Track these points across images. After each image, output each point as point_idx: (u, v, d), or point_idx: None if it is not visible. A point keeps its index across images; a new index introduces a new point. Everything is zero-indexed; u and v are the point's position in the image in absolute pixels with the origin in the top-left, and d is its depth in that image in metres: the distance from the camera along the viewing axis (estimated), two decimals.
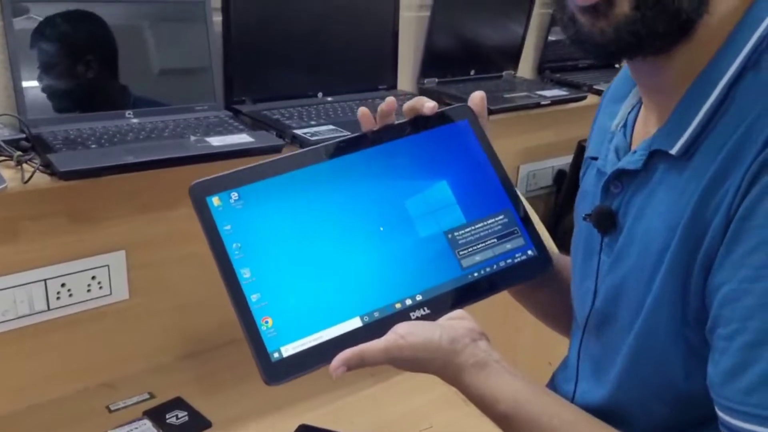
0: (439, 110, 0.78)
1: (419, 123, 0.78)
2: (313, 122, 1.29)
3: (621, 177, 0.70)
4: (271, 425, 1.17)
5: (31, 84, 1.11)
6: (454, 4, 1.63)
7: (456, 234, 0.75)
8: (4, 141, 1.04)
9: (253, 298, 0.67)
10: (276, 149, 1.17)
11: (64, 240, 1.19)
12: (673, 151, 0.63)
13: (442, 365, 0.67)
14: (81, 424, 1.17)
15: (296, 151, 0.75)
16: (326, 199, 0.73)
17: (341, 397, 1.23)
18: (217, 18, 1.28)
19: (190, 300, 1.35)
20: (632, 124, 0.74)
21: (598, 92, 1.76)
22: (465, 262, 0.74)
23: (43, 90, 1.13)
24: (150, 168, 1.07)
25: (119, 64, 1.19)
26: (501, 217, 0.78)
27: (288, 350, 0.67)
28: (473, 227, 0.76)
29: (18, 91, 1.10)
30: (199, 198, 0.69)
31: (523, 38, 1.81)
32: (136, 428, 1.16)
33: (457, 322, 0.70)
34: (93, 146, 1.08)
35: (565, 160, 2.01)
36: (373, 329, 0.68)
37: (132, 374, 1.30)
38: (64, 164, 1.00)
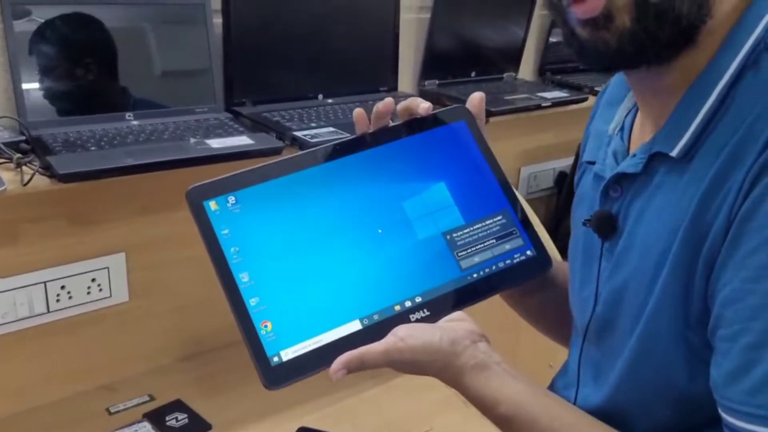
0: (437, 111, 0.78)
1: (417, 124, 0.77)
2: (313, 124, 1.28)
3: (620, 181, 0.69)
4: (271, 427, 1.17)
5: (30, 86, 1.11)
6: (455, 6, 1.63)
7: (454, 235, 0.75)
8: (3, 143, 1.04)
9: (251, 302, 0.67)
10: (276, 151, 1.17)
11: (64, 242, 1.19)
12: (674, 153, 0.63)
13: (442, 367, 0.67)
14: (81, 426, 1.17)
15: (293, 155, 0.75)
16: (324, 201, 0.72)
17: (341, 400, 1.23)
18: (218, 20, 1.28)
19: (190, 302, 1.34)
20: (629, 128, 0.74)
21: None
22: (464, 264, 0.74)
23: (43, 92, 1.13)
24: (150, 170, 1.07)
25: (119, 66, 1.19)
26: (499, 217, 0.77)
27: (288, 354, 0.66)
28: (472, 228, 0.76)
29: (18, 94, 1.10)
30: (196, 202, 0.69)
31: (524, 40, 1.81)
32: (136, 431, 1.16)
33: (456, 324, 0.69)
34: (93, 148, 1.08)
35: (566, 162, 2.01)
36: (373, 332, 0.68)
37: (132, 376, 1.30)
38: (64, 166, 1.00)
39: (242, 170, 0.71)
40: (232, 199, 0.70)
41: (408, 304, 0.71)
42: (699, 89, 0.62)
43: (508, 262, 0.76)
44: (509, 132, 1.80)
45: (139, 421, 1.18)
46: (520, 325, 0.95)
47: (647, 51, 0.61)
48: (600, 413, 0.70)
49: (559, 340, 0.93)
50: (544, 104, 1.65)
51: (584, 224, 0.74)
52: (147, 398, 1.24)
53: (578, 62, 0.66)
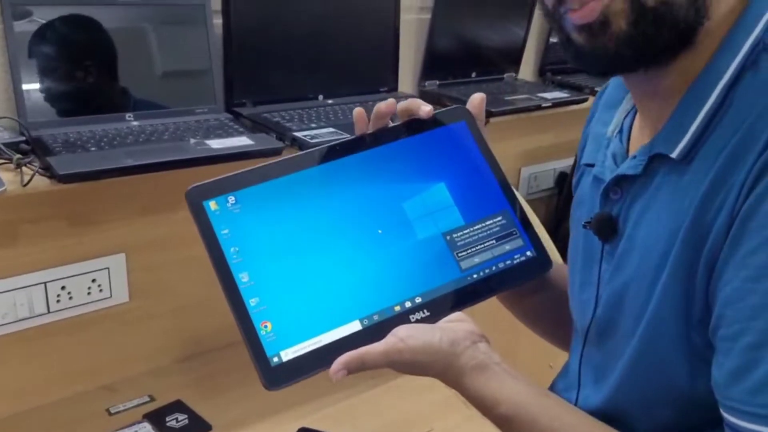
0: (436, 112, 0.78)
1: (417, 125, 0.77)
2: (313, 125, 1.28)
3: (620, 183, 0.69)
4: (271, 428, 1.17)
5: (31, 87, 1.11)
6: (455, 7, 1.63)
7: (454, 236, 0.75)
8: (3, 144, 1.04)
9: (251, 302, 0.67)
10: (276, 152, 1.17)
11: (64, 243, 1.19)
12: (674, 155, 0.63)
13: (442, 368, 0.67)
14: (81, 426, 1.17)
15: (293, 155, 0.75)
16: (324, 202, 0.72)
17: (342, 400, 1.23)
18: (218, 20, 1.28)
19: (190, 302, 1.34)
20: (628, 130, 0.74)
21: None
22: (464, 264, 0.74)
23: (43, 93, 1.13)
24: (150, 171, 1.07)
25: (119, 66, 1.19)
26: (499, 218, 0.77)
27: (287, 354, 0.66)
28: (472, 229, 0.76)
29: (18, 94, 1.10)
30: (195, 202, 0.69)
31: (525, 40, 1.81)
32: (136, 431, 1.16)
33: (456, 324, 0.69)
34: (93, 149, 1.08)
35: (566, 163, 2.01)
36: (373, 332, 0.68)
37: (132, 377, 1.30)
38: (64, 167, 1.00)
39: (242, 170, 0.71)
40: (231, 199, 0.70)
41: (408, 304, 0.71)
42: (698, 91, 0.62)
43: (508, 262, 0.76)
44: (510, 132, 1.80)
45: (139, 422, 1.18)
46: (520, 325, 0.95)
47: (645, 55, 0.61)
48: (601, 414, 0.69)
49: (557, 343, 0.93)
50: (544, 105, 1.65)
51: (584, 227, 0.74)
52: (147, 399, 1.24)
53: (575, 66, 0.66)
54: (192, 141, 1.15)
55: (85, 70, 1.16)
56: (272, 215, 0.70)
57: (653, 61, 0.62)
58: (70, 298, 1.21)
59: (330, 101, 1.44)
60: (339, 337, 0.68)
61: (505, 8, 1.76)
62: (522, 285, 0.80)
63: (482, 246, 0.75)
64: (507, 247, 0.76)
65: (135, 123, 1.20)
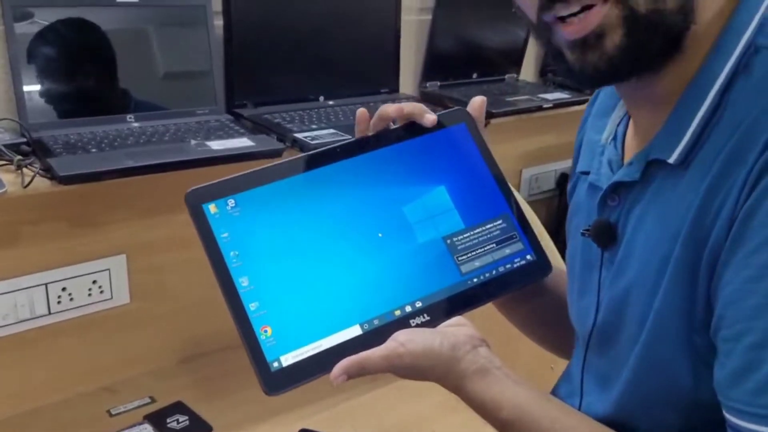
0: (437, 114, 0.78)
1: (417, 127, 0.77)
2: (314, 126, 1.28)
3: (618, 189, 0.69)
4: (272, 429, 1.17)
5: (31, 88, 1.11)
6: (456, 7, 1.63)
7: (455, 239, 0.75)
8: (4, 145, 1.04)
9: (251, 306, 0.66)
10: (277, 153, 1.17)
11: (65, 244, 1.19)
12: (671, 160, 0.63)
13: (443, 373, 0.66)
14: (82, 428, 1.17)
15: (293, 157, 0.75)
16: (324, 205, 0.72)
17: (342, 402, 1.23)
18: (218, 22, 1.28)
19: (191, 303, 1.34)
20: (622, 137, 0.74)
21: None
22: (464, 268, 0.74)
23: (44, 94, 1.13)
24: (150, 172, 1.06)
25: (120, 68, 1.19)
26: (499, 221, 0.77)
27: (287, 359, 0.66)
28: (472, 232, 0.76)
29: (19, 96, 1.10)
30: (195, 205, 0.68)
31: (526, 41, 1.80)
32: None
33: (456, 328, 0.69)
34: (93, 150, 1.08)
35: (567, 164, 2.00)
36: (373, 337, 0.68)
37: (133, 378, 1.30)
38: (65, 168, 1.00)
39: (242, 173, 0.71)
40: (231, 202, 0.69)
41: (408, 308, 0.71)
42: (692, 95, 0.62)
43: (508, 266, 0.76)
44: (510, 133, 1.79)
45: (139, 423, 1.18)
46: None
47: (639, 63, 0.61)
48: (605, 421, 0.69)
49: (554, 350, 0.93)
50: (545, 106, 1.65)
51: (583, 234, 0.73)
52: (148, 400, 1.24)
53: (566, 81, 0.66)
54: (193, 142, 1.14)
55: (86, 72, 1.16)
56: (272, 218, 0.70)
57: (646, 68, 0.62)
58: (71, 299, 1.22)
59: (331, 102, 1.44)
60: (339, 342, 0.67)
61: (506, 9, 1.75)
62: (522, 289, 0.80)
63: (482, 250, 0.75)
64: (507, 250, 0.76)
65: (136, 124, 1.20)
